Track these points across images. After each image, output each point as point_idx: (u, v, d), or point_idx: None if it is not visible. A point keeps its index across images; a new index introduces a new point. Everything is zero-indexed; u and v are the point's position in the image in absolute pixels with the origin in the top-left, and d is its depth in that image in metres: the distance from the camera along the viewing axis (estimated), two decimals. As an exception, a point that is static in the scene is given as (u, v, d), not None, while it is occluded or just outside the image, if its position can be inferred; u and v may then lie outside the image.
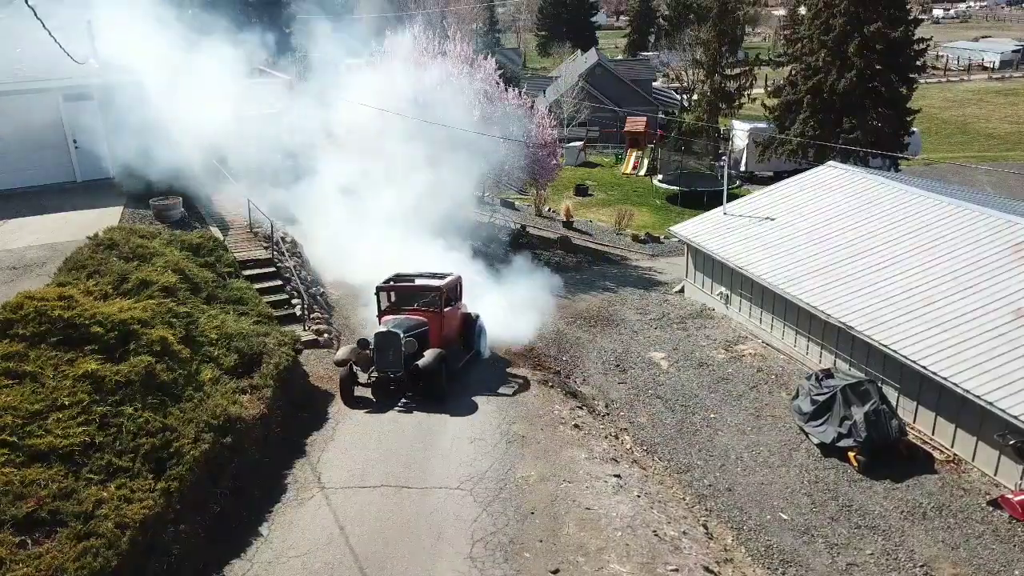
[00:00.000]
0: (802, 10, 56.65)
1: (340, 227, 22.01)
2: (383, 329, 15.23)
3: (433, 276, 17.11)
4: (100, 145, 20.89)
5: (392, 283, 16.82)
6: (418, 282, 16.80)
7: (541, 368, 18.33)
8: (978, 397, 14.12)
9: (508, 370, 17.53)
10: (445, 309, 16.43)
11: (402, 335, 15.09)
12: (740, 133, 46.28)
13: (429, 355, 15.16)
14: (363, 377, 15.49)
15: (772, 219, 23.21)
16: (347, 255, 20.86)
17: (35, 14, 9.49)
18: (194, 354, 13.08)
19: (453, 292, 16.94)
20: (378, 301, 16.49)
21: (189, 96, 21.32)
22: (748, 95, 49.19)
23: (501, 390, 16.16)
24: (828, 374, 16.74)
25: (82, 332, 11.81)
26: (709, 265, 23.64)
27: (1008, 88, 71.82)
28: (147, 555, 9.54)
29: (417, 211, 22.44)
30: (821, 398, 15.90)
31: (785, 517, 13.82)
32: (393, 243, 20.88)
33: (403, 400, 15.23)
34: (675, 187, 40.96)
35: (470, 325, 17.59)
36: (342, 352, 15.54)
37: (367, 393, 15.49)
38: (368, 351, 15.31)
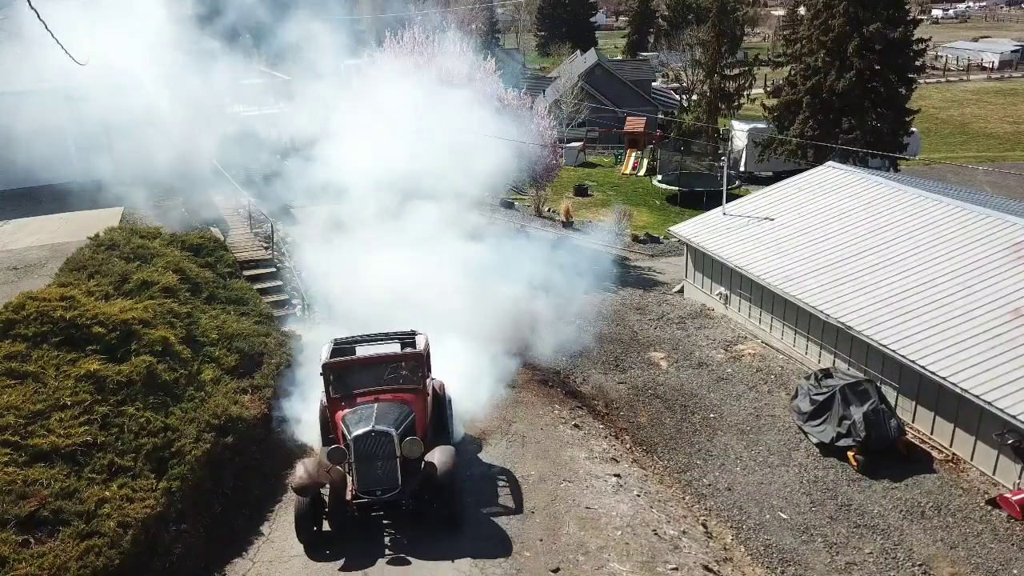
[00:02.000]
0: (801, 10, 56.73)
1: (340, 227, 22.03)
2: (364, 429, 10.68)
3: (388, 337, 12.91)
4: (100, 145, 20.93)
5: (347, 355, 12.31)
6: (378, 349, 12.55)
7: (540, 369, 18.38)
8: (977, 397, 14.15)
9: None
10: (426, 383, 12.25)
11: (395, 434, 10.72)
12: (739, 133, 46.31)
13: (441, 457, 10.90)
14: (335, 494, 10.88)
15: (771, 219, 23.24)
16: (348, 255, 20.88)
17: (38, 16, 9.54)
18: (195, 354, 13.16)
19: (428, 358, 12.68)
20: (327, 383, 11.77)
21: (190, 97, 21.36)
22: (747, 95, 49.20)
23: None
24: (827, 374, 16.78)
25: (84, 332, 11.88)
26: (708, 265, 23.68)
27: (1007, 88, 71.85)
28: (149, 554, 9.60)
29: (416, 211, 22.45)
30: (820, 398, 15.94)
31: (784, 516, 13.86)
32: (393, 243, 20.90)
33: (388, 536, 10.97)
34: (674, 187, 40.99)
35: (441, 401, 13.18)
36: (303, 471, 10.59)
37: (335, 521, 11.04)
38: (346, 465, 10.77)
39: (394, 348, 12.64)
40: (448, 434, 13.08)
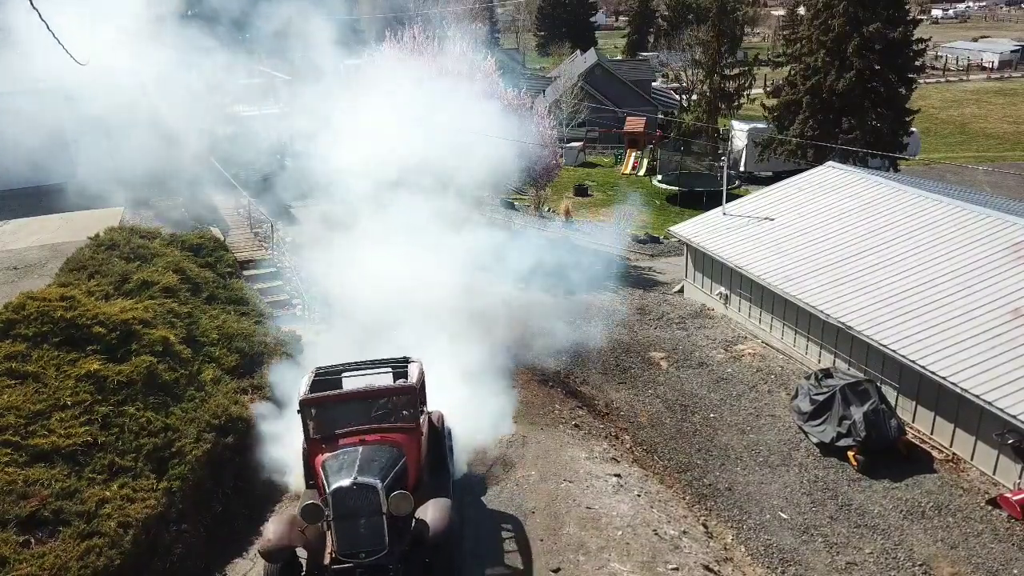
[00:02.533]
0: (801, 10, 56.77)
1: (340, 226, 22.03)
2: (345, 481, 9.13)
3: (378, 365, 11.43)
4: (100, 145, 20.92)
5: (330, 387, 10.95)
6: (365, 381, 11.10)
7: (540, 369, 18.38)
8: (977, 396, 14.16)
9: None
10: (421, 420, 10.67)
11: (381, 487, 9.19)
12: (739, 133, 46.35)
13: (436, 513, 9.46)
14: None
15: (771, 219, 23.25)
16: (348, 255, 20.88)
17: (40, 16, 9.54)
18: (195, 354, 13.16)
19: (421, 393, 11.03)
20: (306, 422, 10.26)
21: (190, 97, 21.36)
22: (747, 95, 49.26)
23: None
24: (827, 374, 16.79)
25: (84, 332, 11.89)
26: (708, 265, 23.69)
27: (1007, 88, 71.89)
28: (150, 554, 9.62)
29: (416, 211, 22.45)
30: (820, 398, 15.94)
31: (784, 516, 13.87)
32: (392, 243, 20.89)
33: None
34: (675, 187, 41.03)
35: (439, 437, 11.64)
36: (274, 530, 9.28)
37: None
38: (324, 523, 9.31)
39: (384, 379, 11.18)
40: (447, 474, 11.55)
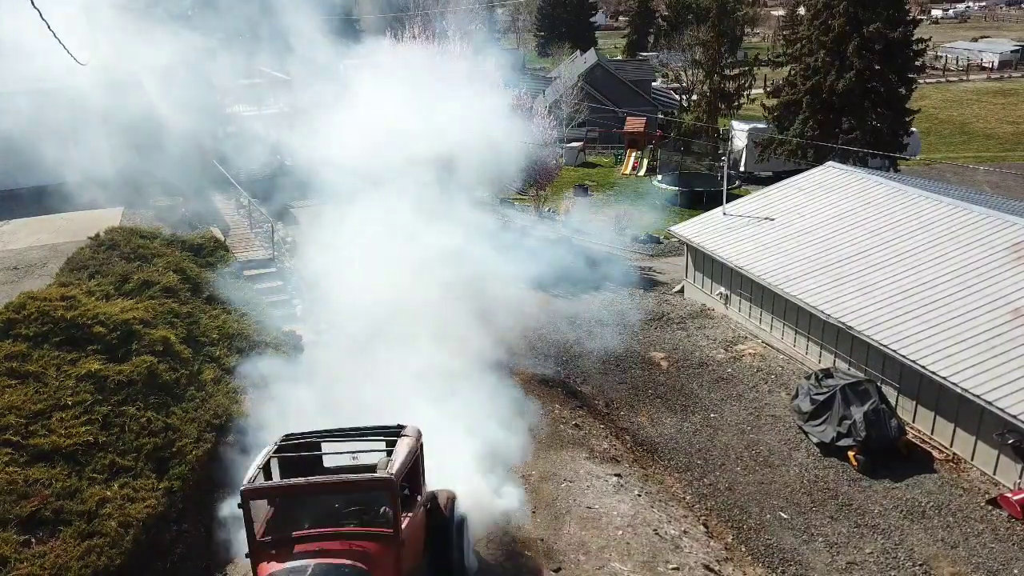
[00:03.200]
0: (801, 10, 56.76)
1: (340, 226, 22.01)
2: None
3: (362, 434, 8.79)
4: (101, 145, 20.92)
5: (296, 467, 8.40)
6: (336, 467, 8.60)
7: (540, 369, 18.37)
8: (977, 396, 14.16)
9: None
10: (403, 522, 7.94)
11: None
12: (739, 133, 46.33)
13: None
14: None
15: (772, 219, 23.25)
16: (347, 255, 20.86)
17: (40, 16, 9.55)
18: (196, 354, 13.17)
19: (414, 478, 8.59)
20: (248, 519, 7.73)
21: (190, 96, 21.35)
22: (747, 95, 49.23)
23: None
24: (827, 374, 16.80)
25: (84, 332, 11.90)
26: (709, 265, 23.69)
27: (1007, 88, 71.84)
28: (150, 554, 9.61)
29: (416, 212, 22.43)
30: (821, 398, 15.95)
31: (785, 516, 13.87)
32: (392, 243, 20.88)
33: None
34: (675, 187, 41.03)
35: (443, 530, 9.00)
36: None
37: None
38: None
39: (371, 455, 8.62)
40: (456, 568, 8.90)
